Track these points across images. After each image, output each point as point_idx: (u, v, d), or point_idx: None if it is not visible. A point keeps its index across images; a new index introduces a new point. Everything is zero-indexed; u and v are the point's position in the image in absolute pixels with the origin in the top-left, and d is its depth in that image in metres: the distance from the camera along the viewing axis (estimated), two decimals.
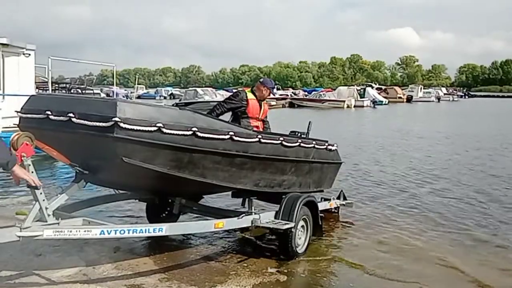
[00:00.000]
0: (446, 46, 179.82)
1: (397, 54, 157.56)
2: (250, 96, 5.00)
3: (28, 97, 3.68)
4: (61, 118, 3.17)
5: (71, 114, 3.13)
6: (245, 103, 4.93)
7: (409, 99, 55.42)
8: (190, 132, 3.41)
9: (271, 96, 5.38)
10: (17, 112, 3.48)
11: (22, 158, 2.88)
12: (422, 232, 5.43)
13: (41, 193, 3.06)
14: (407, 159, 11.38)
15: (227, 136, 3.71)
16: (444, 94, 66.22)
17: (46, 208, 3.11)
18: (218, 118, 4.20)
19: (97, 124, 3.06)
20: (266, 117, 5.25)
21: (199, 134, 3.46)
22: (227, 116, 4.89)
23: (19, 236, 2.99)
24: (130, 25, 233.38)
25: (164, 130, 3.26)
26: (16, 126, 3.55)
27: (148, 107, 3.43)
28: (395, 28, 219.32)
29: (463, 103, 57.59)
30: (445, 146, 14.24)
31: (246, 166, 4.03)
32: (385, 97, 50.73)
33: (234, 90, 6.61)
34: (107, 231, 3.24)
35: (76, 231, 3.16)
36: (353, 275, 4.15)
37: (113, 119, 3.03)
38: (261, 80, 5.15)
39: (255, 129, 4.73)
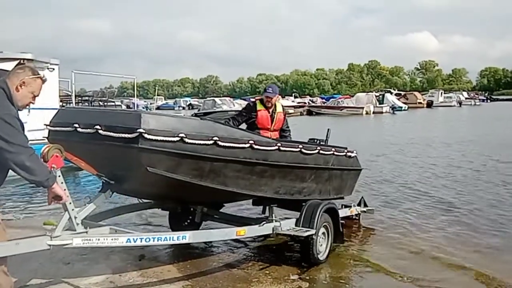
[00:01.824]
0: (466, 50, 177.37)
1: (415, 59, 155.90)
2: (259, 107, 5.05)
3: (53, 110, 3.83)
4: (89, 130, 3.29)
5: (98, 126, 3.25)
6: (254, 114, 5.00)
7: (430, 104, 54.63)
8: (211, 142, 3.49)
9: (274, 99, 5.05)
10: (46, 125, 3.62)
11: (52, 169, 2.99)
12: (444, 238, 5.39)
13: (70, 203, 3.17)
14: (427, 166, 11.25)
15: (247, 145, 3.77)
16: (466, 98, 64.94)
17: (75, 218, 3.21)
18: (237, 127, 4.29)
19: (123, 135, 3.17)
20: (285, 126, 5.26)
21: (220, 143, 3.54)
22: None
23: (50, 245, 3.10)
24: (149, 38, 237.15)
25: (186, 140, 3.34)
26: (44, 138, 3.69)
27: (171, 118, 3.54)
28: (412, 32, 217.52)
29: (485, 107, 56.46)
30: (460, 152, 13.97)
31: (266, 174, 4.09)
32: (404, 103, 50.16)
33: (252, 99, 6.70)
34: (133, 239, 3.34)
35: (104, 239, 3.26)
36: (375, 281, 4.15)
37: (138, 130, 3.14)
38: None
39: None
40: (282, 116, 5.20)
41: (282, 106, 5.35)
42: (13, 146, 2.52)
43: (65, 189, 2.99)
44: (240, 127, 4.77)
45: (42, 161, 2.79)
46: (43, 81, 2.83)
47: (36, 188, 7.86)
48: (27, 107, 2.86)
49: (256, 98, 5.58)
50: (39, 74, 2.81)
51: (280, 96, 5.23)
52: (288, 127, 5.32)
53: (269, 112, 5.06)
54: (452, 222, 6.10)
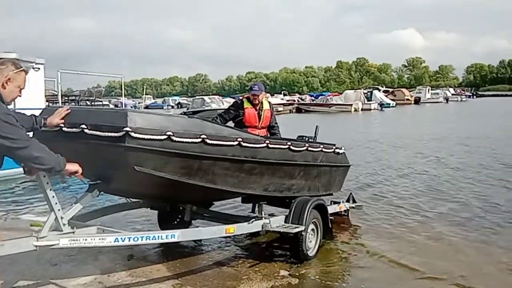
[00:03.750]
0: (452, 47, 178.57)
1: (403, 56, 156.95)
2: (246, 105, 5.08)
3: (39, 111, 3.77)
4: (74, 129, 3.25)
5: (83, 126, 3.21)
6: (242, 112, 5.01)
7: (417, 101, 55.08)
8: (199, 140, 3.47)
9: (261, 96, 5.08)
10: None
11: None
12: (433, 230, 5.45)
13: (56, 203, 3.14)
14: (412, 161, 11.36)
15: (236, 142, 3.77)
16: (452, 94, 65.62)
17: (62, 218, 3.18)
18: (225, 125, 4.28)
19: (109, 134, 3.14)
20: (273, 122, 5.29)
21: (208, 141, 3.52)
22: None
23: (36, 246, 3.06)
24: (136, 37, 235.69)
25: (174, 138, 3.33)
26: None
27: (158, 116, 3.52)
28: (398, 30, 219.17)
29: (471, 103, 57.14)
30: (438, 146, 14.15)
31: (255, 171, 4.09)
32: (392, 100, 50.53)
33: (240, 97, 6.68)
34: (121, 238, 3.31)
35: (91, 239, 3.23)
36: (364, 276, 4.17)
37: (124, 129, 3.11)
38: None
39: None
40: (269, 113, 5.23)
41: (269, 103, 5.37)
42: (17, 142, 2.59)
43: (52, 192, 2.98)
44: (227, 124, 4.76)
45: (47, 148, 2.78)
46: (26, 72, 2.87)
47: (23, 189, 7.81)
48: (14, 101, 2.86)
49: (244, 96, 5.59)
50: (21, 67, 2.84)
51: (268, 94, 5.25)
52: (276, 123, 5.36)
53: (256, 110, 5.08)
54: (444, 213, 6.17)
